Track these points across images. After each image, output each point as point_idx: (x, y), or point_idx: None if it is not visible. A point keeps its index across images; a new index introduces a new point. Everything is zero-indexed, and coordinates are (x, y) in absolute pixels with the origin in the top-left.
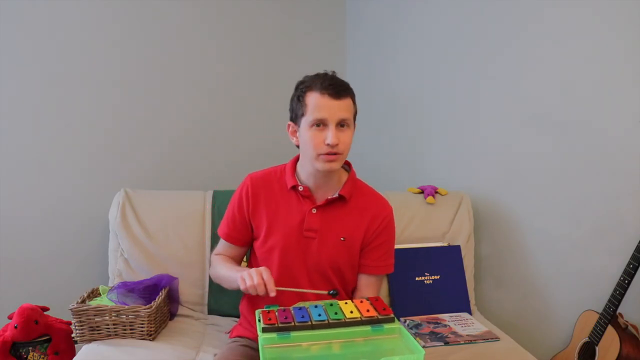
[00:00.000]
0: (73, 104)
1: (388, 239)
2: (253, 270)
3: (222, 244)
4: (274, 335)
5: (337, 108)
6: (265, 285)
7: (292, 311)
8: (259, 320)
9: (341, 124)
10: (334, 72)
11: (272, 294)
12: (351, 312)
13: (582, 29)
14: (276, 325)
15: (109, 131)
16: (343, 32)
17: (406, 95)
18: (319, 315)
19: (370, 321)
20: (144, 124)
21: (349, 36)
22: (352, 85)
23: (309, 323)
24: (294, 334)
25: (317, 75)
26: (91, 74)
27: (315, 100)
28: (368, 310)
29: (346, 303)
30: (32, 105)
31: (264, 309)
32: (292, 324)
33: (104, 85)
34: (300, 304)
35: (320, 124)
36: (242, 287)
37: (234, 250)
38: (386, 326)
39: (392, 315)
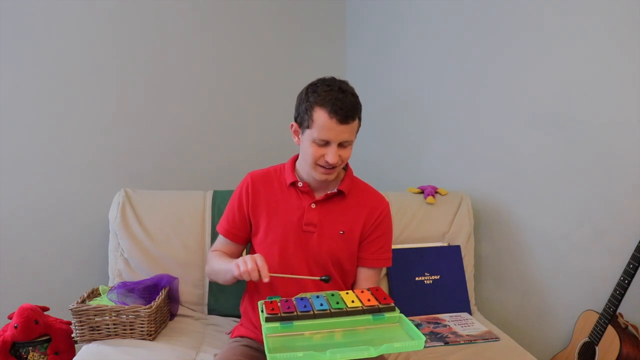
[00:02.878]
0: (73, 104)
1: (385, 232)
2: (248, 256)
3: (220, 240)
4: (277, 324)
5: (342, 131)
6: (259, 271)
7: (294, 301)
8: (262, 311)
9: (343, 144)
10: (345, 83)
11: (266, 279)
12: (352, 301)
13: (582, 29)
14: (279, 314)
15: (109, 131)
16: (343, 32)
17: (406, 95)
18: (321, 305)
19: (372, 310)
20: (144, 124)
21: (349, 36)
22: (352, 86)
23: (312, 312)
24: (296, 323)
25: (330, 90)
26: (91, 74)
27: (322, 121)
28: (369, 300)
29: (347, 293)
30: (32, 106)
31: (267, 300)
32: (295, 313)
33: (104, 85)
34: (302, 295)
35: (323, 143)
36: (236, 273)
37: (232, 247)
38: (387, 315)
39: (393, 304)
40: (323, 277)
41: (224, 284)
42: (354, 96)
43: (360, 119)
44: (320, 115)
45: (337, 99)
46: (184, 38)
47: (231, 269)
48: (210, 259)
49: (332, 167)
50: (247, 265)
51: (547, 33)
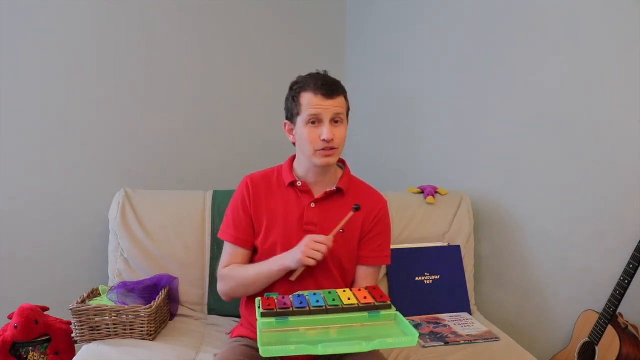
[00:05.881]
0: (73, 103)
1: (384, 230)
2: (309, 242)
3: (230, 252)
4: (272, 320)
5: (330, 105)
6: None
7: (291, 298)
8: (259, 307)
9: (335, 120)
10: (325, 71)
11: (330, 244)
12: (349, 299)
13: (582, 29)
14: (275, 310)
15: (109, 131)
16: (343, 32)
17: (406, 95)
18: (317, 301)
19: (367, 307)
20: (145, 124)
21: (349, 36)
22: (352, 86)
23: (307, 309)
24: (292, 319)
25: (310, 76)
26: (91, 73)
27: (309, 100)
28: (365, 298)
29: (344, 291)
30: (32, 105)
31: (264, 297)
32: (291, 309)
33: (104, 85)
34: (300, 292)
35: (315, 121)
36: (312, 263)
37: (243, 255)
38: (383, 312)
39: (389, 302)
40: (354, 206)
41: (254, 293)
42: (336, 79)
43: (347, 101)
44: (306, 97)
45: (318, 79)
46: (186, 39)
47: (285, 265)
48: (232, 273)
49: (331, 148)
50: (321, 248)
51: (547, 33)
